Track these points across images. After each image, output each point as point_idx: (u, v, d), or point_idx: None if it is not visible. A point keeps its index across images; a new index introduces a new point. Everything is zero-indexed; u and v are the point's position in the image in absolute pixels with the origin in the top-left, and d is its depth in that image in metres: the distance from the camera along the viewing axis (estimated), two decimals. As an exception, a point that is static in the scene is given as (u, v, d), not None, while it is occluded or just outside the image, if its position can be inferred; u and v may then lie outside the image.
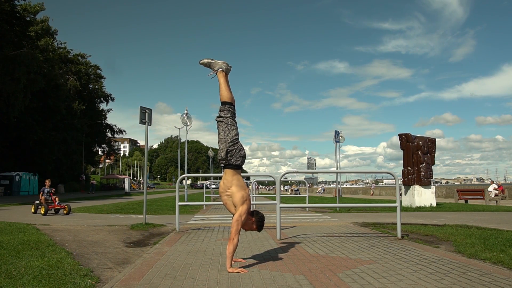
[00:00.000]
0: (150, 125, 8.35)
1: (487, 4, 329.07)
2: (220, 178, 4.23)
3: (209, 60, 4.13)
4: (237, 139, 3.88)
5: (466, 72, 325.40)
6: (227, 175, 3.81)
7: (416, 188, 13.77)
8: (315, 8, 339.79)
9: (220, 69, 4.10)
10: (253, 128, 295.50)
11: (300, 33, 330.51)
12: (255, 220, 3.79)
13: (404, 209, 12.08)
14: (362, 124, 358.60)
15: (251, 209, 3.85)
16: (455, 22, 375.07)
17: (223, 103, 3.98)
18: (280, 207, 5.95)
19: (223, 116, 3.92)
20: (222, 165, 3.88)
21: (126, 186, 43.83)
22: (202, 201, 13.30)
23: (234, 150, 3.82)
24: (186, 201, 16.91)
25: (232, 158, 3.81)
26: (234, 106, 4.03)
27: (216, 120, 3.97)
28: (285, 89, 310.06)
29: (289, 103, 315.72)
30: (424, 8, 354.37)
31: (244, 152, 3.90)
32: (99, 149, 54.37)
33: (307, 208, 13.01)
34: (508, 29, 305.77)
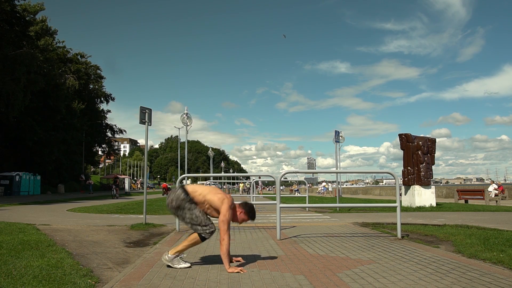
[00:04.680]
0: (150, 125, 8.35)
1: (490, 4, 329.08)
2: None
3: None
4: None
5: (472, 72, 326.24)
6: (197, 188, 3.83)
7: (416, 188, 13.77)
8: (317, 8, 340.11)
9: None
10: (257, 128, 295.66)
11: (308, 33, 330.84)
12: (245, 211, 3.85)
13: (404, 209, 12.07)
14: (366, 124, 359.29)
15: (239, 202, 3.95)
16: (458, 23, 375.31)
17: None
18: (280, 207, 5.94)
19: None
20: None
21: (126, 186, 43.92)
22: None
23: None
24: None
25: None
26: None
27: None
28: (291, 88, 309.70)
29: (294, 102, 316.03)
30: (426, 9, 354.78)
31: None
32: (99, 149, 54.38)
33: (307, 208, 13.01)
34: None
